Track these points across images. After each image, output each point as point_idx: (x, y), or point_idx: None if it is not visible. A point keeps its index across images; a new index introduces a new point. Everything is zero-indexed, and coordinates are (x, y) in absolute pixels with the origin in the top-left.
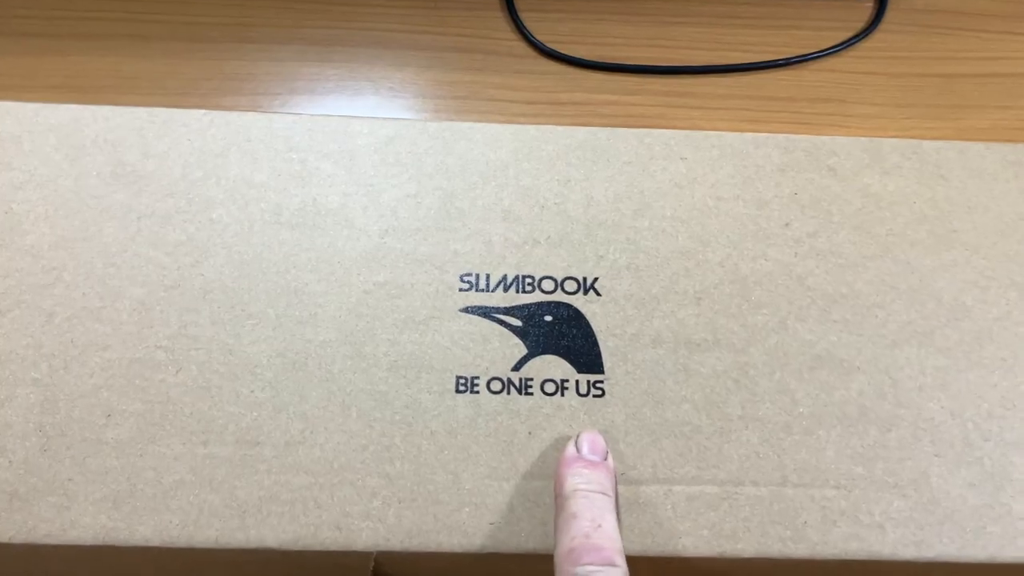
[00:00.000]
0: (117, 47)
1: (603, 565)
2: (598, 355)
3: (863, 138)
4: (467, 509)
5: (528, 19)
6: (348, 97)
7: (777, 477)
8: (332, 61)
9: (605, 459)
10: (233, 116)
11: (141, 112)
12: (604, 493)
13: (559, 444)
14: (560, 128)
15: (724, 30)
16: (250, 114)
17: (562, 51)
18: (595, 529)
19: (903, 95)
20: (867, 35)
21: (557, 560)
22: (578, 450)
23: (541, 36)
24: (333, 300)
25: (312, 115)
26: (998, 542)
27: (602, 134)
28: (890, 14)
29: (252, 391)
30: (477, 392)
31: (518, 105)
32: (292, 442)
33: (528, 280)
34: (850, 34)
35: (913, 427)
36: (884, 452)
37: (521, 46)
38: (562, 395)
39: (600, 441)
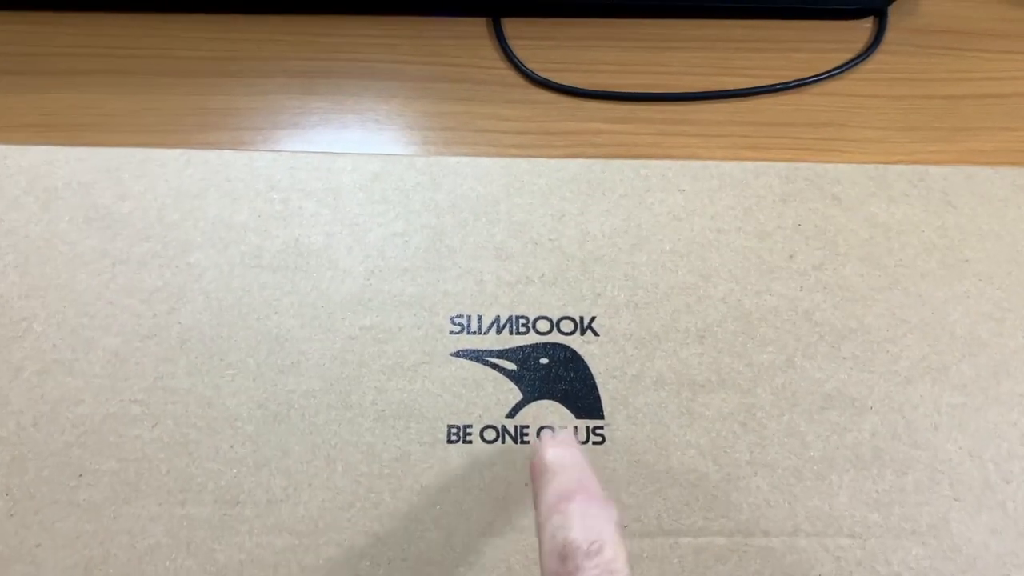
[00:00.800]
0: (96, 84)
1: (599, 506)
2: (597, 399)
3: (867, 165)
4: (461, 569)
5: (518, 47)
6: (334, 130)
7: (789, 526)
8: (317, 93)
9: None
10: (211, 155)
11: (115, 152)
12: (586, 468)
13: None
14: (553, 161)
15: (720, 55)
16: (229, 152)
17: (554, 80)
18: (587, 478)
19: (905, 118)
20: (866, 57)
21: (543, 511)
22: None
23: (532, 65)
24: (317, 346)
25: (294, 152)
26: None
27: (596, 166)
28: (889, 35)
29: (232, 446)
30: (470, 442)
31: (509, 136)
32: (274, 500)
33: (522, 321)
34: (849, 56)
35: (930, 469)
36: (900, 497)
37: (511, 75)
38: None
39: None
